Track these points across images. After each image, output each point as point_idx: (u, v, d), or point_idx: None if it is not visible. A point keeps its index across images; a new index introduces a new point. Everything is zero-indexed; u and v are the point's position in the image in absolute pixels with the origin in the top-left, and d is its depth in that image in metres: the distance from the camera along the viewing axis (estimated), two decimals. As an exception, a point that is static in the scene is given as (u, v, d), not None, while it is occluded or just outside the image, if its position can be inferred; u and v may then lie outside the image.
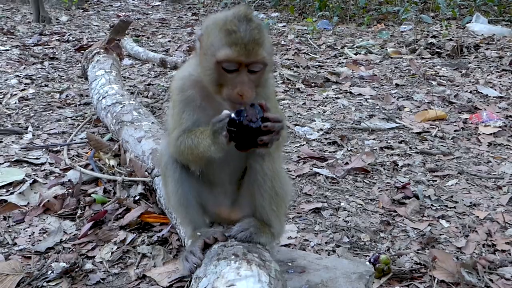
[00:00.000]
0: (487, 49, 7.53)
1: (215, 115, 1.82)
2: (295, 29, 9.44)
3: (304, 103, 5.42)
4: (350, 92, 5.80)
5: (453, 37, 8.16)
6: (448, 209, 3.28)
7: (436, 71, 6.60)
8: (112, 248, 2.83)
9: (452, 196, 3.43)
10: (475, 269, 2.60)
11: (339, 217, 3.18)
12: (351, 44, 8.32)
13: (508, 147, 4.26)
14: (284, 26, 10.03)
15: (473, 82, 6.06)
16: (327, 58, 7.54)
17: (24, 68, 6.58)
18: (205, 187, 2.12)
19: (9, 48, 7.52)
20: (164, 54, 7.61)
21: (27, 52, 7.39)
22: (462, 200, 3.38)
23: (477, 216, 3.18)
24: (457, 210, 3.27)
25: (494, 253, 2.83)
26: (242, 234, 1.99)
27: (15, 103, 5.20)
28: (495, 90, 5.70)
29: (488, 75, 6.32)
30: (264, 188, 1.99)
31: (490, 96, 5.53)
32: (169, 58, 7.03)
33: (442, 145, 4.28)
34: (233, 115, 1.71)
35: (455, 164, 3.93)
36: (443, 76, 6.37)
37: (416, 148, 4.22)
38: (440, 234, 3.00)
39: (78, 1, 11.89)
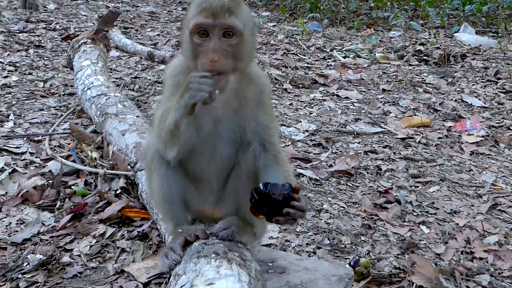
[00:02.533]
0: (473, 59, 7.62)
1: (202, 108, 1.82)
2: (285, 29, 9.44)
3: (291, 104, 5.42)
4: (337, 95, 5.81)
5: (440, 45, 8.24)
6: (429, 215, 3.30)
7: (422, 78, 6.66)
8: (91, 242, 2.79)
9: (433, 203, 3.46)
10: (453, 276, 2.62)
11: (321, 219, 3.18)
12: (340, 47, 8.34)
13: (490, 156, 4.31)
14: (274, 25, 10.02)
15: (458, 91, 6.12)
16: (316, 60, 7.55)
17: (8, 55, 6.46)
18: (190, 183, 2.10)
19: (-6, 34, 7.38)
20: (152, 47, 7.54)
21: (11, 39, 7.26)
22: (443, 207, 3.41)
23: (457, 224, 3.21)
24: (438, 216, 3.30)
25: (472, 260, 2.86)
26: (224, 232, 1.98)
27: (-2, 90, 5.10)
28: (480, 100, 5.77)
29: (473, 85, 6.39)
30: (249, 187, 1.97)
31: (474, 106, 5.60)
32: (157, 52, 6.96)
33: (426, 152, 4.31)
34: (261, 185, 1.75)
35: (437, 171, 3.96)
36: (430, 83, 6.43)
37: (400, 153, 4.25)
38: (420, 240, 3.02)
39: (67, -10, 11.73)
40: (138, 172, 3.09)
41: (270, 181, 1.78)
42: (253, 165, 1.95)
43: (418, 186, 3.70)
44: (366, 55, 7.89)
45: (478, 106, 5.58)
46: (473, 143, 4.52)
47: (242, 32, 1.74)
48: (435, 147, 4.43)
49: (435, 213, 3.33)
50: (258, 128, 1.94)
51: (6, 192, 3.23)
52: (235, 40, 1.74)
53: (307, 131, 4.61)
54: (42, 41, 7.42)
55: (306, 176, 3.71)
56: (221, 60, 1.71)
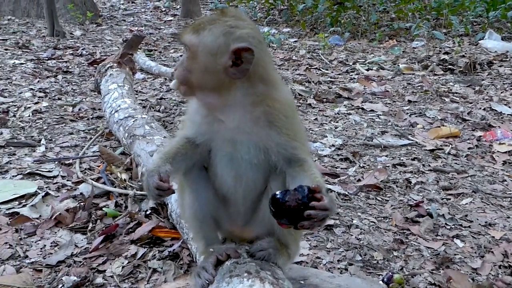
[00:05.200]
0: (500, 66, 7.49)
1: (218, 129, 1.92)
2: (306, 45, 9.47)
3: (316, 119, 5.41)
4: (362, 108, 5.78)
5: (465, 53, 8.13)
6: (463, 229, 3.23)
7: (449, 87, 6.57)
8: (123, 263, 2.82)
9: (466, 215, 3.39)
10: (491, 291, 2.55)
11: (352, 235, 3.15)
12: (363, 60, 8.32)
13: (523, 165, 4.21)
14: (295, 41, 10.06)
15: (486, 99, 6.02)
16: (339, 74, 7.54)
17: (38, 81, 6.64)
18: (220, 203, 2.10)
19: (24, 62, 7.60)
20: (177, 68, 7.63)
21: (41, 66, 7.47)
22: (477, 219, 3.33)
23: (493, 236, 3.13)
24: (472, 229, 3.22)
25: (511, 274, 2.77)
26: (261, 253, 1.98)
27: (29, 116, 5.24)
28: (509, 107, 5.66)
29: (502, 92, 6.28)
30: None
31: (504, 114, 5.49)
32: (181, 73, 7.04)
33: (456, 163, 4.23)
34: (278, 193, 1.72)
35: (469, 183, 3.88)
36: (456, 92, 6.34)
37: (429, 165, 4.18)
38: (455, 254, 2.95)
39: (91, 16, 12.03)
40: (167, 192, 3.11)
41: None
42: (285, 187, 1.93)
43: (449, 199, 3.63)
44: (390, 67, 7.84)
45: (508, 114, 5.47)
46: (505, 152, 4.42)
47: (190, 47, 1.83)
48: (466, 158, 4.35)
49: (469, 226, 3.25)
50: (279, 148, 1.91)
51: (40, 215, 3.30)
52: (187, 54, 1.86)
53: (333, 145, 4.59)
54: (70, 67, 7.61)
55: (334, 191, 3.68)
56: (177, 70, 1.90)
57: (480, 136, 4.82)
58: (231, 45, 1.77)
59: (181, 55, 1.86)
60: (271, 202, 1.71)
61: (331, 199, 1.72)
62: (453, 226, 3.26)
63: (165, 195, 1.92)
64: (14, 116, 5.21)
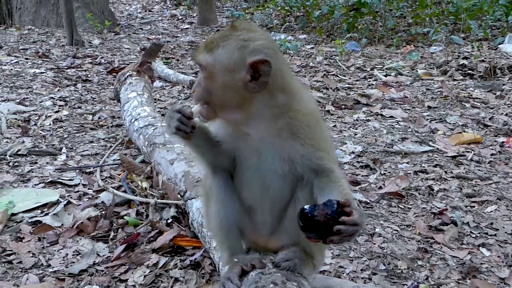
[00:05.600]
0: (521, 70, 7.38)
1: (243, 140, 1.92)
2: (323, 51, 9.44)
3: (335, 126, 5.37)
4: (381, 115, 5.73)
5: (485, 58, 8.03)
6: (489, 237, 3.17)
7: (469, 93, 6.49)
8: (144, 272, 2.82)
9: (492, 223, 3.32)
10: (520, 301, 2.49)
11: (375, 243, 3.11)
12: (381, 66, 8.26)
13: (549, 172, 4.12)
14: (312, 48, 10.05)
15: (508, 104, 5.93)
16: (357, 80, 7.50)
17: (58, 90, 6.72)
18: (246, 213, 2.09)
19: (44, 71, 7.70)
20: (194, 76, 7.68)
21: (61, 75, 7.56)
22: (503, 227, 3.26)
23: (520, 245, 3.06)
24: (498, 238, 3.16)
25: (539, 284, 2.71)
26: (287, 263, 1.96)
27: (50, 124, 5.29)
28: (532, 112, 5.57)
29: (523, 97, 6.18)
30: None
31: (527, 119, 5.39)
32: (199, 80, 7.07)
33: (479, 170, 4.16)
34: (306, 207, 1.70)
35: (493, 190, 3.81)
36: (477, 98, 6.26)
37: (452, 172, 4.12)
38: (482, 263, 2.90)
39: (110, 25, 12.16)
40: (188, 200, 3.12)
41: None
42: (312, 199, 1.91)
43: (474, 206, 3.57)
44: (408, 72, 7.78)
45: (530, 120, 5.38)
46: (529, 158, 4.34)
47: (206, 67, 1.81)
48: (489, 164, 4.28)
49: (495, 234, 3.19)
50: (304, 160, 1.89)
51: (62, 224, 3.32)
52: (203, 74, 1.84)
53: (353, 152, 4.56)
54: (89, 76, 7.69)
55: (356, 199, 3.64)
56: (195, 92, 1.88)
57: (503, 142, 4.74)
58: (247, 59, 1.76)
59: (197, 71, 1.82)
60: (299, 216, 1.69)
61: (361, 213, 1.69)
62: (478, 235, 3.20)
63: (187, 125, 1.87)
64: (36, 125, 5.28)
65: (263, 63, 1.75)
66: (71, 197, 3.67)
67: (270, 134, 1.88)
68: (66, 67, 8.10)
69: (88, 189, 3.83)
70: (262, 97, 1.82)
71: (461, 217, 3.35)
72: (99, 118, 5.59)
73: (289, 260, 1.96)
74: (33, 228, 3.24)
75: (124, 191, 3.69)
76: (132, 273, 2.82)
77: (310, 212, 1.66)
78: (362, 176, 4.10)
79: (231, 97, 1.81)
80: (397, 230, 3.26)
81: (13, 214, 3.40)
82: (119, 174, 4.03)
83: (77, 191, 3.80)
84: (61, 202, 3.55)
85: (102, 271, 2.84)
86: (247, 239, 2.19)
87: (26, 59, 8.50)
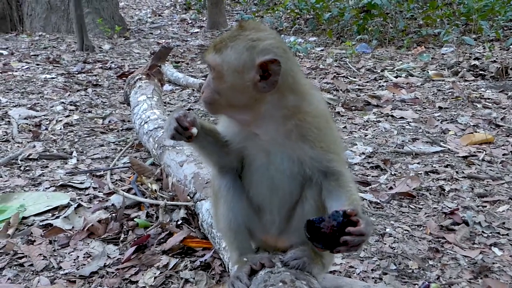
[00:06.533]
0: (533, 70, 7.30)
1: (252, 140, 1.91)
2: (333, 53, 9.43)
3: (345, 127, 5.35)
4: (392, 116, 5.70)
5: (497, 58, 7.95)
6: (501, 236, 3.13)
7: (480, 93, 6.43)
8: (155, 273, 2.82)
9: (504, 223, 3.28)
10: (534, 301, 2.46)
11: (385, 244, 3.08)
12: (391, 67, 8.23)
13: (562, 171, 4.06)
14: (322, 50, 10.04)
15: (520, 104, 5.87)
16: (367, 82, 7.47)
17: (69, 95, 6.78)
18: (254, 213, 2.08)
19: (55, 76, 7.77)
20: (203, 79, 7.70)
21: (71, 80, 7.62)
22: (515, 227, 3.22)
23: (533, 244, 3.02)
24: (510, 237, 3.12)
25: (553, 283, 2.67)
26: (296, 262, 1.95)
27: (60, 129, 5.34)
28: (545, 112, 5.50)
29: (536, 97, 6.11)
30: None
31: (539, 119, 5.33)
32: (209, 84, 7.09)
33: (491, 170, 4.12)
34: (313, 218, 1.71)
35: (505, 189, 3.77)
36: (488, 98, 6.20)
37: (463, 172, 4.08)
38: (493, 263, 2.86)
39: (120, 30, 12.26)
40: (198, 202, 3.12)
41: (334, 207, 1.74)
42: (321, 199, 1.91)
43: (485, 206, 3.53)
44: (419, 74, 7.73)
45: (543, 119, 5.32)
46: (542, 158, 4.29)
47: (215, 67, 1.80)
48: (501, 164, 4.23)
49: (507, 234, 3.15)
50: (313, 162, 1.88)
51: (73, 227, 3.34)
52: (213, 74, 1.83)
53: (363, 153, 4.53)
54: (99, 80, 7.75)
55: (366, 199, 3.62)
56: (204, 93, 1.85)
57: (515, 142, 4.70)
58: (256, 59, 1.75)
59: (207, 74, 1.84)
60: (306, 227, 1.70)
61: (368, 222, 1.68)
62: (490, 234, 3.16)
63: (183, 135, 1.86)
64: (46, 129, 5.32)
65: (273, 63, 1.74)
66: (81, 200, 3.69)
67: (279, 135, 1.87)
68: (76, 72, 8.17)
69: (99, 192, 3.86)
70: (272, 98, 1.81)
71: (473, 217, 3.31)
72: (109, 122, 5.63)
73: (298, 259, 1.95)
74: (44, 231, 3.26)
75: (134, 194, 3.71)
76: (143, 274, 2.82)
77: (317, 224, 1.67)
78: (372, 176, 4.07)
79: (240, 97, 1.81)
80: (407, 230, 3.23)
81: (24, 218, 3.43)
82: (129, 177, 4.05)
83: (88, 194, 3.82)
84: (71, 205, 3.57)
85: (113, 273, 2.85)
86: (256, 239, 2.18)
87: (37, 65, 8.60)
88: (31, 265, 2.91)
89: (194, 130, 1.85)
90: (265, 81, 1.76)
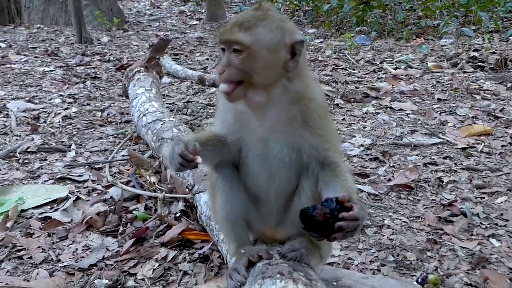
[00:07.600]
0: (533, 61, 7.28)
1: (250, 128, 1.89)
2: (332, 45, 9.40)
3: (344, 119, 5.35)
4: (391, 107, 5.70)
5: (496, 50, 7.93)
6: (499, 228, 3.14)
7: (479, 85, 6.42)
8: (153, 265, 2.83)
9: (502, 214, 3.29)
10: (531, 292, 2.46)
11: (383, 235, 3.09)
12: (390, 59, 8.20)
13: (561, 162, 4.06)
14: (321, 42, 10.01)
15: (519, 95, 5.86)
16: (366, 73, 7.45)
17: (67, 87, 6.76)
18: (252, 204, 2.08)
19: (53, 69, 7.75)
20: (202, 71, 7.69)
21: (70, 72, 7.60)
22: (513, 218, 3.23)
23: (531, 235, 3.03)
24: (508, 228, 3.12)
25: (551, 274, 2.67)
26: (293, 254, 1.95)
27: (59, 121, 5.33)
28: (544, 103, 5.49)
29: (535, 88, 6.10)
30: None
31: (538, 110, 5.33)
32: (207, 76, 7.10)
33: (489, 161, 4.12)
34: (306, 207, 1.71)
35: (503, 181, 3.77)
36: (487, 90, 6.19)
37: (462, 164, 4.08)
38: (491, 254, 2.87)
39: (118, 22, 12.21)
40: (196, 194, 3.12)
41: (330, 196, 1.74)
42: (317, 189, 1.91)
43: (484, 197, 3.53)
44: (418, 65, 7.71)
45: (542, 111, 5.31)
46: (540, 149, 4.29)
47: (249, 46, 1.76)
48: (499, 156, 4.23)
49: (505, 225, 3.16)
50: (312, 150, 1.89)
51: (72, 219, 3.34)
52: (243, 54, 1.78)
53: (362, 145, 4.53)
54: (98, 73, 7.73)
55: (364, 191, 3.62)
56: (225, 72, 1.79)
57: (514, 133, 4.69)
58: (287, 38, 1.79)
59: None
60: (300, 216, 1.71)
61: (362, 207, 1.67)
62: (488, 225, 3.17)
63: (188, 167, 1.83)
64: (45, 122, 5.31)
65: (299, 43, 1.80)
66: (80, 193, 3.69)
67: (282, 121, 1.88)
68: (75, 65, 8.15)
69: (97, 184, 3.85)
70: (284, 82, 1.85)
71: (471, 208, 3.32)
72: (108, 114, 5.62)
73: (295, 251, 1.96)
74: (43, 224, 3.26)
75: (133, 186, 3.71)
76: (141, 267, 2.83)
77: (310, 212, 1.68)
78: (371, 168, 4.08)
79: (271, 75, 1.83)
80: (406, 222, 3.24)
81: (23, 210, 3.43)
82: (128, 170, 4.05)
83: (86, 187, 3.82)
84: (70, 197, 3.57)
85: (112, 265, 2.85)
86: (254, 230, 2.19)
87: (36, 57, 8.57)
88: (30, 257, 2.92)
89: (199, 160, 1.84)
90: (293, 60, 1.81)
